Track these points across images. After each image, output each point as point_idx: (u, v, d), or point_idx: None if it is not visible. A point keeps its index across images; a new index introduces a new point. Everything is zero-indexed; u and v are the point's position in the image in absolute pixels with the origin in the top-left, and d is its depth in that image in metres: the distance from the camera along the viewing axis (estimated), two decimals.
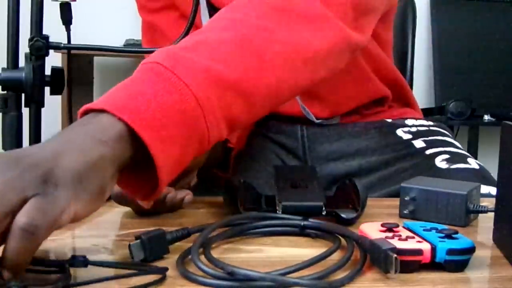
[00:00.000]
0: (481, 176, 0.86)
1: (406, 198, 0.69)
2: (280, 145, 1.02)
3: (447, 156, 0.89)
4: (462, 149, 0.94)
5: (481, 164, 0.90)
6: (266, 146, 1.01)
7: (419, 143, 0.94)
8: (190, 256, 0.51)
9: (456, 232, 0.54)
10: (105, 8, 2.96)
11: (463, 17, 2.95)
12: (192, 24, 0.78)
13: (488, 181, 0.84)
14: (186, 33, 0.78)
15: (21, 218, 0.42)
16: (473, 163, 0.88)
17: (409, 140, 0.96)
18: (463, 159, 0.89)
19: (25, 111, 0.83)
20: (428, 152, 0.91)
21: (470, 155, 0.92)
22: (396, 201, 0.71)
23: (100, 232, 0.62)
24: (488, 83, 2.67)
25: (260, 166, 0.95)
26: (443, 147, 0.92)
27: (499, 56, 2.73)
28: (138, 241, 0.52)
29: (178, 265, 0.50)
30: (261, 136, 1.02)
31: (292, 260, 0.51)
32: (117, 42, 2.59)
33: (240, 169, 0.92)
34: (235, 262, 0.49)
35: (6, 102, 0.83)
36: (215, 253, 0.52)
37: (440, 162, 0.88)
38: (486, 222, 0.67)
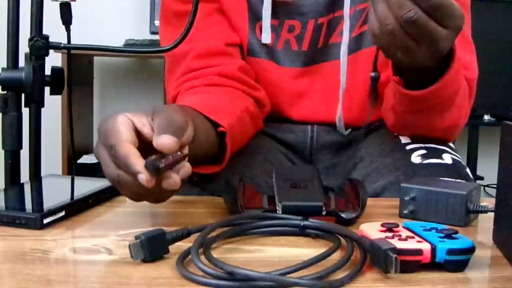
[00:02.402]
0: (452, 171, 0.86)
1: (406, 198, 0.69)
2: (287, 145, 1.02)
3: (423, 151, 0.89)
4: (445, 145, 0.93)
5: (459, 159, 0.90)
6: (272, 145, 1.00)
7: (405, 138, 0.94)
8: (190, 256, 0.51)
9: (456, 232, 0.54)
10: (105, 8, 2.96)
11: None
12: (192, 23, 0.77)
13: (459, 177, 0.84)
14: (187, 32, 0.77)
15: None
16: (447, 158, 0.88)
17: (397, 135, 0.96)
18: (438, 154, 0.89)
19: (25, 111, 0.83)
20: (408, 147, 0.91)
21: (449, 150, 0.91)
22: (396, 201, 0.71)
23: (100, 232, 0.62)
24: (488, 83, 2.66)
25: (265, 162, 0.94)
26: (425, 143, 0.91)
27: (499, 56, 2.73)
28: (138, 241, 0.52)
29: (178, 265, 0.50)
30: (267, 136, 1.02)
31: (292, 260, 0.51)
32: (117, 42, 2.59)
33: (243, 166, 0.90)
34: (235, 262, 0.49)
35: (6, 102, 0.83)
36: (215, 253, 0.52)
37: (416, 158, 0.88)
38: (486, 222, 0.67)
